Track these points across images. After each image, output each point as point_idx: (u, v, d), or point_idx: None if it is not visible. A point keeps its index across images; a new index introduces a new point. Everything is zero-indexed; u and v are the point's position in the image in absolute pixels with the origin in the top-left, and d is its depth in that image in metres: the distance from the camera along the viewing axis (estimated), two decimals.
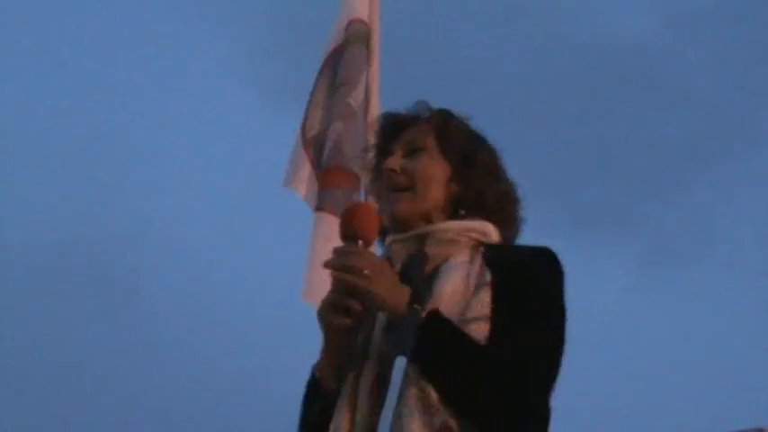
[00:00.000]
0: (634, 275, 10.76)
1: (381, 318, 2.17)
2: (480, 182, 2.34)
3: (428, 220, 2.31)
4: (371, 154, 2.49)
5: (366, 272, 2.08)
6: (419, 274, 2.16)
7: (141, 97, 11.38)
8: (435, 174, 2.34)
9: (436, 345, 2.02)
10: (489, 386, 2.04)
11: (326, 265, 2.13)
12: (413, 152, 2.37)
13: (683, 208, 10.86)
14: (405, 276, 2.17)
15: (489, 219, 2.32)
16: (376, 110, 4.38)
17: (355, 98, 4.40)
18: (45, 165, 10.92)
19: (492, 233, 2.30)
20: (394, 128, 2.45)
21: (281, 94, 10.10)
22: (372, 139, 2.53)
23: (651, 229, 10.95)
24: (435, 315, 2.07)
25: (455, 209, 2.33)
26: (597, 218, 10.84)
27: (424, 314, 2.06)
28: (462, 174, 2.35)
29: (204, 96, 11.31)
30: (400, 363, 1.91)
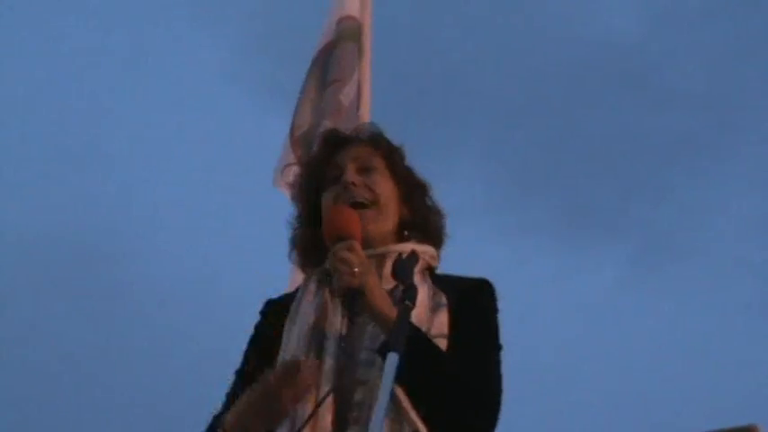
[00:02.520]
0: (623, 273, 10.77)
1: (331, 344, 2.20)
2: (422, 207, 2.45)
3: (383, 240, 2.36)
4: (315, 158, 2.54)
5: (356, 269, 2.13)
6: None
7: (127, 94, 11.38)
8: (392, 194, 2.42)
9: (416, 352, 2.03)
10: (457, 394, 2.13)
11: (329, 260, 2.19)
12: (366, 170, 2.43)
13: (673, 206, 10.88)
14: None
15: (430, 242, 2.43)
16: (367, 107, 4.38)
17: (346, 95, 4.38)
18: (30, 161, 10.92)
19: (436, 258, 2.42)
20: (338, 143, 2.51)
21: (269, 91, 10.09)
22: (312, 151, 2.60)
23: (641, 228, 10.96)
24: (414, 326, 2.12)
25: (401, 230, 2.41)
26: (586, 216, 10.85)
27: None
28: (407, 197, 2.44)
29: (191, 94, 11.30)
30: (392, 359, 1.90)
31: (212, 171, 11.04)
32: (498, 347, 2.27)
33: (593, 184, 10.65)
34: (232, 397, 2.28)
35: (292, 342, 2.25)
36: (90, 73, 11.36)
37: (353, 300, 2.13)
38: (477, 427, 2.15)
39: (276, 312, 2.37)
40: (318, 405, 2.10)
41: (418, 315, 2.15)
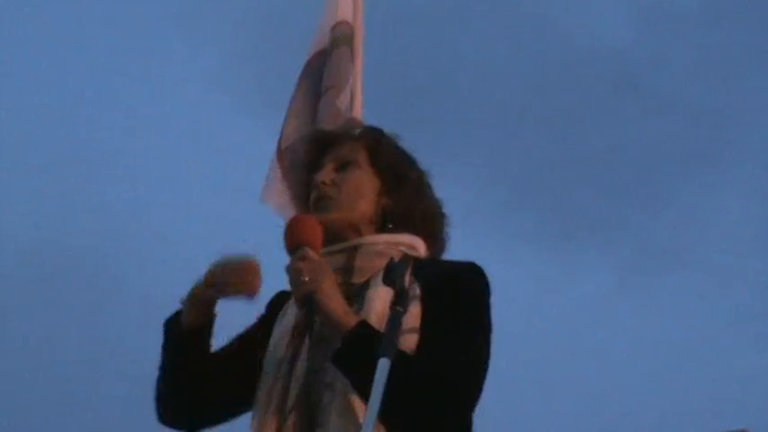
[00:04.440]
0: (616, 282, 10.77)
1: (306, 347, 2.20)
2: (409, 197, 2.40)
3: (358, 232, 2.34)
4: (302, 170, 2.52)
5: (305, 278, 2.12)
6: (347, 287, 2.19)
7: (115, 100, 11.38)
8: (364, 186, 2.38)
9: (364, 355, 2.01)
10: (411, 398, 2.06)
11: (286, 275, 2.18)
12: (343, 166, 2.41)
13: (666, 214, 10.88)
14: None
15: (417, 234, 2.37)
16: (359, 110, 4.36)
17: (342, 101, 4.37)
18: (23, 166, 10.92)
19: (420, 247, 2.36)
20: (324, 143, 2.50)
21: (254, 99, 10.10)
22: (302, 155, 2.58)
23: (634, 235, 10.96)
24: (363, 325, 2.11)
25: (383, 222, 2.37)
26: (579, 224, 10.85)
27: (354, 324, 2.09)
28: (392, 188, 2.40)
29: (178, 101, 11.30)
30: (384, 364, 1.89)
31: (198, 177, 11.04)
32: (474, 334, 2.20)
33: (587, 191, 10.66)
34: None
35: (274, 339, 2.28)
36: (76, 79, 11.37)
37: (310, 307, 2.13)
38: (439, 424, 2.11)
39: (279, 305, 2.39)
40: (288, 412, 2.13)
41: (380, 315, 2.13)
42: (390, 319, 2.01)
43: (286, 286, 2.27)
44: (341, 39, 4.55)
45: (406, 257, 2.21)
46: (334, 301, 2.13)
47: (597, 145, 10.76)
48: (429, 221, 2.41)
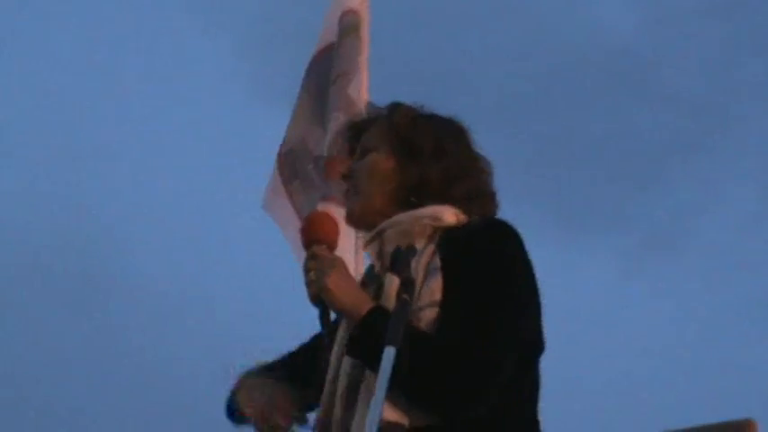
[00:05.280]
0: (618, 270, 10.78)
1: (338, 347, 2.20)
2: (422, 165, 2.30)
3: (384, 215, 2.29)
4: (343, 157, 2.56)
5: (311, 277, 2.11)
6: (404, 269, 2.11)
7: (122, 94, 11.36)
8: (377, 168, 2.33)
9: (374, 341, 1.99)
10: (432, 374, 2.03)
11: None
12: (363, 153, 2.39)
13: (667, 203, 10.88)
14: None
15: (443, 201, 2.28)
16: (365, 99, 4.36)
17: (354, 89, 4.38)
18: (28, 162, 10.91)
19: (445, 216, 2.25)
20: (356, 134, 2.47)
21: (267, 91, 10.09)
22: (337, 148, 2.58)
23: (637, 223, 10.97)
24: (372, 312, 2.09)
25: (406, 198, 2.30)
26: (582, 212, 10.85)
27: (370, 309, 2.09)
28: (405, 161, 2.32)
29: (189, 92, 11.28)
30: (389, 353, 1.89)
31: (206, 171, 11.03)
32: (497, 298, 2.10)
33: (590, 180, 10.66)
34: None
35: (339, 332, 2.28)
36: (85, 73, 11.35)
37: (322, 305, 2.13)
38: (462, 409, 2.05)
39: None
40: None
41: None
42: (396, 307, 2.00)
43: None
44: (349, 28, 4.55)
45: (411, 246, 2.17)
46: (341, 293, 2.11)
47: (600, 134, 10.77)
48: (451, 183, 2.30)
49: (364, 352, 2.08)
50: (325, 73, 4.54)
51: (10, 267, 10.28)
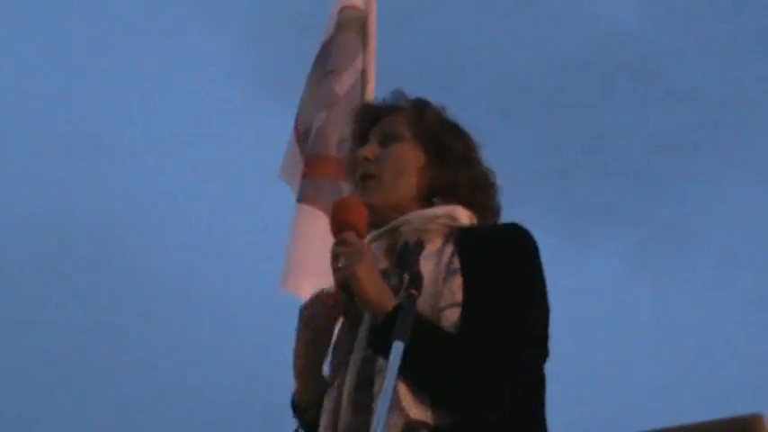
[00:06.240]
0: (627, 266, 10.77)
1: (364, 324, 2.17)
2: (454, 169, 2.31)
3: (401, 211, 2.28)
4: (350, 143, 2.47)
5: (341, 263, 2.07)
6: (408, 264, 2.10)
7: (126, 88, 11.39)
8: (406, 161, 2.32)
9: (417, 343, 1.95)
10: (457, 374, 2.02)
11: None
12: (387, 140, 2.35)
13: (676, 199, 10.88)
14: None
15: (464, 205, 2.29)
16: (372, 94, 4.31)
17: (341, 86, 4.32)
18: (34, 150, 10.93)
19: (461, 216, 2.26)
20: (372, 117, 2.43)
21: (265, 87, 10.10)
22: (349, 129, 2.52)
23: (643, 221, 10.95)
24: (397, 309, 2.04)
25: (429, 197, 2.30)
26: (589, 210, 10.85)
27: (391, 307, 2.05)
28: (436, 161, 2.32)
29: (189, 88, 11.30)
30: (398, 347, 1.88)
31: (213, 165, 11.04)
32: (516, 301, 2.11)
33: (596, 177, 10.65)
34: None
35: (338, 329, 2.27)
36: (91, 67, 11.37)
37: (348, 293, 2.08)
38: (485, 408, 2.04)
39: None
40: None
41: (431, 288, 2.08)
42: (404, 302, 1.99)
43: None
44: (345, 24, 4.51)
45: (419, 242, 2.16)
46: (368, 285, 2.07)
47: (606, 131, 10.76)
48: (477, 192, 2.32)
49: (387, 347, 2.02)
50: (322, 67, 4.52)
51: (19, 262, 10.31)
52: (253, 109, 10.46)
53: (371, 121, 2.43)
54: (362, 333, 2.18)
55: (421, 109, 2.39)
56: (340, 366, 2.19)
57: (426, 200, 2.30)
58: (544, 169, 10.30)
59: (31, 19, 11.55)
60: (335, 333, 2.28)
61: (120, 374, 9.75)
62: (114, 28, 11.40)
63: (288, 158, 4.48)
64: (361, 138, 2.42)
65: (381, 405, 1.85)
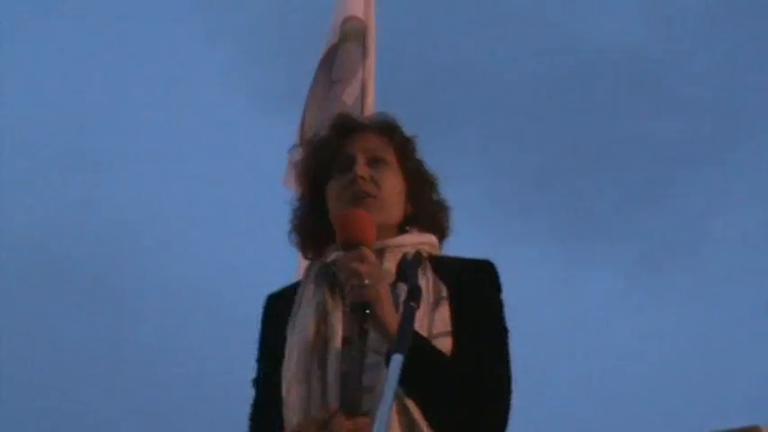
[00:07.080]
0: (625, 279, 10.77)
1: (334, 352, 2.14)
2: (430, 200, 2.39)
3: (389, 234, 2.29)
4: (324, 142, 2.43)
5: (366, 281, 2.05)
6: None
7: (127, 99, 11.40)
8: (398, 187, 2.35)
9: (420, 368, 2.00)
10: (465, 401, 2.09)
11: (338, 270, 2.13)
12: (376, 162, 2.35)
13: (674, 212, 10.87)
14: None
15: (433, 232, 2.37)
16: (372, 105, 4.33)
17: (349, 95, 4.34)
18: (31, 162, 10.94)
19: (436, 244, 2.36)
20: (349, 128, 2.42)
21: (267, 98, 10.11)
22: (324, 132, 2.46)
23: (641, 234, 10.95)
24: (419, 338, 2.07)
25: (404, 226, 2.35)
26: (588, 222, 10.85)
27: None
28: (417, 191, 2.38)
29: (191, 100, 11.31)
30: (397, 360, 1.86)
31: (213, 175, 11.05)
32: (504, 333, 2.24)
33: (595, 190, 10.65)
34: (255, 410, 2.29)
35: (293, 354, 2.19)
36: (90, 81, 11.39)
37: (363, 312, 2.05)
38: (489, 428, 2.12)
39: (278, 310, 2.32)
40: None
41: (421, 312, 2.08)
42: (404, 314, 1.99)
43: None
44: (350, 34, 4.52)
45: (418, 255, 2.21)
46: (388, 309, 2.07)
47: (605, 143, 10.76)
48: (441, 220, 2.41)
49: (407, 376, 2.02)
50: (326, 75, 4.53)
51: (24, 271, 10.31)
52: (254, 120, 10.47)
53: (349, 133, 2.41)
54: (337, 353, 2.15)
55: (403, 139, 2.42)
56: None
57: (401, 228, 2.35)
58: (542, 183, 10.32)
59: (27, 34, 11.57)
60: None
61: (129, 382, 9.75)
62: (112, 42, 11.42)
63: (293, 166, 4.48)
64: (334, 146, 2.39)
65: (380, 420, 1.85)
